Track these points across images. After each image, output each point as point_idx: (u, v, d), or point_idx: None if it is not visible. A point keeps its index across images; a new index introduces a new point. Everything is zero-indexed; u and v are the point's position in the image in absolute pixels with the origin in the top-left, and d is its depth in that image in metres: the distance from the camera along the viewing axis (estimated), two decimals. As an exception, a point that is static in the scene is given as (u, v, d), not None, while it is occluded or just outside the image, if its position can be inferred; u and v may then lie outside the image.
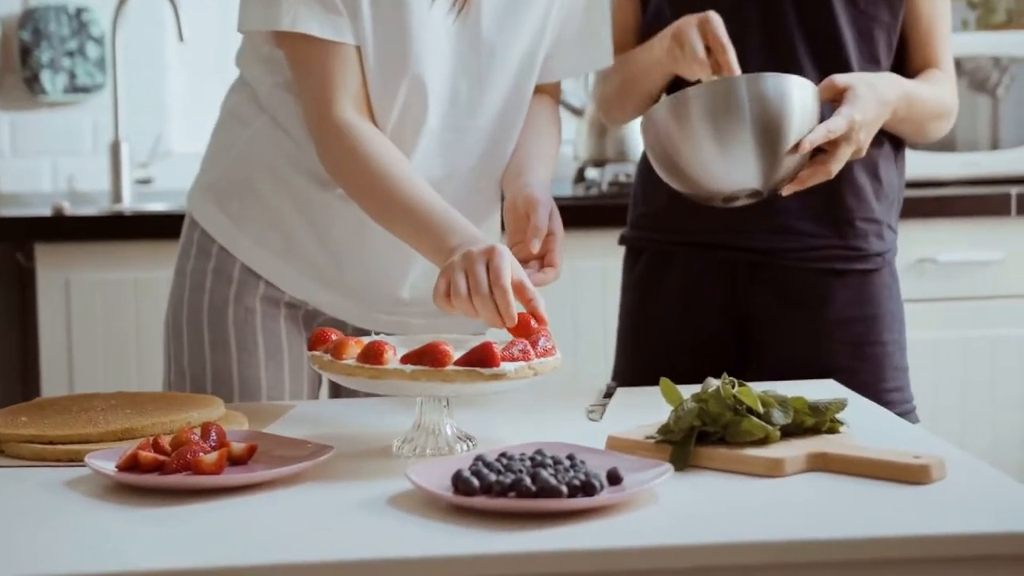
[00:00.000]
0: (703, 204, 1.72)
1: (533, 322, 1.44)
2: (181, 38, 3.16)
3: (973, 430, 2.94)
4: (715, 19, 1.73)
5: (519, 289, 1.45)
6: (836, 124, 1.67)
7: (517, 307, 1.45)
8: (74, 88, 3.38)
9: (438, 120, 1.71)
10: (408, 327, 1.78)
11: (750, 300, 1.90)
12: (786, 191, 1.70)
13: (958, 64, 3.14)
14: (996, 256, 2.93)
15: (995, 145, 3.13)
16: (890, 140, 1.90)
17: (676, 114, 1.65)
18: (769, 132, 1.63)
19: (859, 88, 1.71)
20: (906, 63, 1.90)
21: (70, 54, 3.37)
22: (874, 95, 1.73)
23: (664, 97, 1.70)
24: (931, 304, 2.91)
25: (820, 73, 1.81)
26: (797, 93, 1.65)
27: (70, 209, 2.93)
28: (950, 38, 1.92)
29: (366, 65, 1.65)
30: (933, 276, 2.91)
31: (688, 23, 1.74)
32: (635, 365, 1.98)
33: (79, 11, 3.37)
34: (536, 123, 1.79)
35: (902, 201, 1.97)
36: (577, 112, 3.34)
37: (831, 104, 1.72)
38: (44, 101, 3.39)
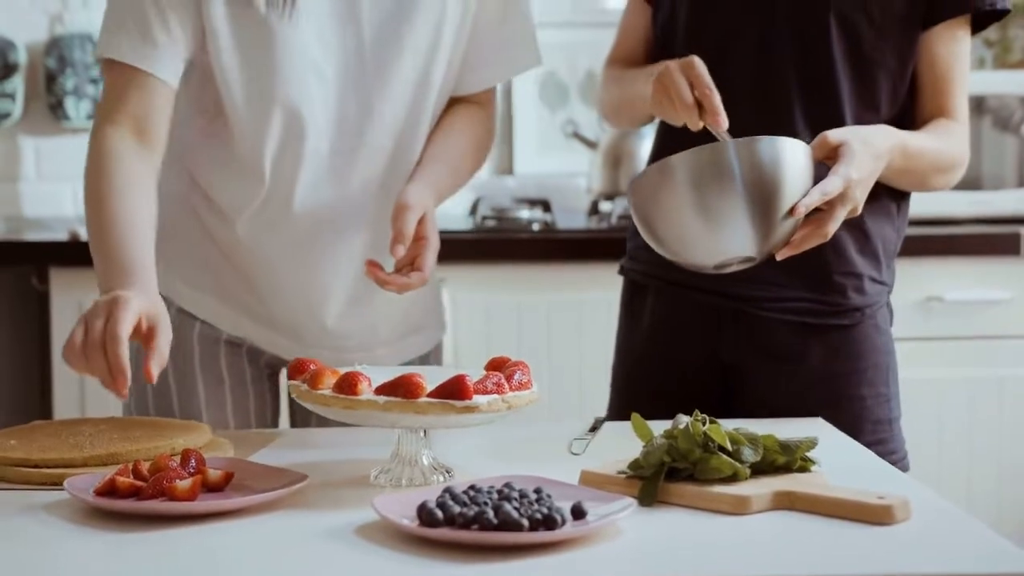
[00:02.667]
0: (693, 271, 1.67)
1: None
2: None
3: (980, 469, 2.93)
4: (698, 63, 1.69)
5: (147, 338, 1.44)
6: (831, 185, 1.60)
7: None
8: (97, 115, 3.43)
9: (325, 145, 1.72)
10: (344, 361, 1.80)
11: (728, 346, 1.89)
12: (780, 255, 1.63)
13: (981, 103, 3.15)
14: (1004, 295, 2.92)
15: (1021, 182, 3.13)
16: (888, 192, 1.85)
17: (662, 184, 1.59)
18: (762, 198, 1.56)
19: (853, 144, 1.64)
20: (917, 109, 1.85)
21: (94, 81, 3.42)
22: (868, 151, 1.66)
23: (648, 168, 1.64)
24: (938, 343, 2.90)
25: (809, 117, 1.80)
26: (790, 156, 1.58)
27: (85, 235, 2.97)
28: (966, 86, 1.86)
29: (233, 97, 1.68)
30: (940, 315, 2.90)
31: (672, 68, 1.70)
32: (620, 398, 1.99)
33: (104, 39, 3.43)
34: (451, 130, 1.80)
35: (897, 250, 1.93)
36: (591, 145, 3.36)
37: (824, 162, 1.66)
38: (67, 127, 3.44)
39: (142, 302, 1.46)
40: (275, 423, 1.91)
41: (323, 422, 1.83)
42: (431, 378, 1.39)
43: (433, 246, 1.67)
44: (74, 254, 2.90)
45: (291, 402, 1.89)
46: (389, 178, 1.76)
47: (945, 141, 1.82)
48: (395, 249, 1.63)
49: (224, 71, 1.68)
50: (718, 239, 1.59)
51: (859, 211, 1.66)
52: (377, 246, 1.75)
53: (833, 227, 1.63)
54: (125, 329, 1.41)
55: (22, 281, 3.11)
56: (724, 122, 1.65)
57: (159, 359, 1.45)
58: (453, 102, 1.82)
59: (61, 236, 3.03)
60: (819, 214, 1.62)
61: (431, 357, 1.92)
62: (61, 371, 2.90)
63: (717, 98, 1.66)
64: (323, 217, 1.74)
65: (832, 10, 1.80)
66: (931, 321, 2.90)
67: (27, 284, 3.07)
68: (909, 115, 1.87)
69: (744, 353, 1.89)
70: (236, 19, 1.66)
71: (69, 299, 2.89)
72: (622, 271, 2.02)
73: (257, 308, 1.78)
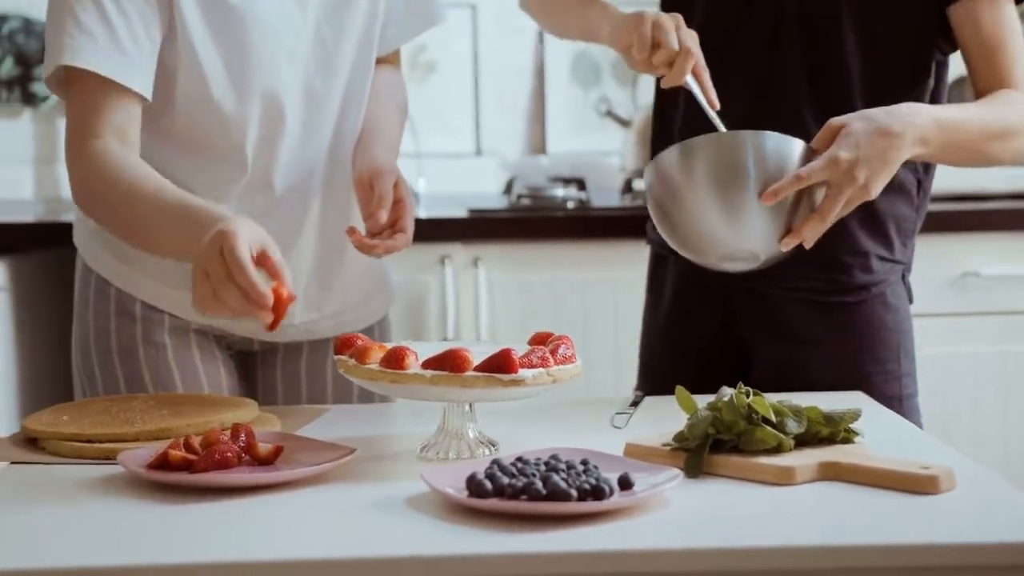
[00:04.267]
0: (699, 265, 1.71)
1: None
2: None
3: (1016, 445, 2.92)
4: (676, 17, 1.70)
5: (266, 262, 1.42)
6: (811, 167, 1.60)
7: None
8: (133, 97, 3.46)
9: (297, 122, 1.73)
10: (316, 332, 1.79)
11: (739, 322, 1.91)
12: (784, 245, 1.64)
13: None
14: (1041, 270, 2.92)
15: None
16: (906, 168, 1.82)
17: (682, 166, 1.63)
18: (758, 192, 1.60)
19: (853, 125, 1.63)
20: (973, 85, 1.83)
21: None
22: (871, 128, 1.63)
23: (668, 150, 1.66)
24: (974, 318, 2.89)
25: (817, 102, 1.80)
26: (797, 154, 1.61)
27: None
28: (1020, 52, 1.80)
29: (214, 90, 1.65)
30: (976, 290, 2.90)
31: (644, 27, 1.69)
32: (645, 372, 2.03)
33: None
34: (379, 94, 1.81)
35: (916, 228, 1.92)
36: (624, 123, 3.37)
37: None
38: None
39: (240, 227, 1.42)
40: None
41: (290, 401, 1.85)
42: (476, 352, 1.41)
43: (410, 208, 1.67)
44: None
45: (245, 384, 1.87)
46: (338, 141, 1.77)
47: (996, 108, 1.76)
48: (379, 214, 1.62)
49: (201, 63, 1.65)
50: (725, 231, 1.63)
51: (872, 193, 1.64)
52: (332, 212, 1.78)
53: (832, 212, 1.63)
54: (244, 254, 1.39)
55: (62, 263, 3.14)
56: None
57: (286, 273, 1.43)
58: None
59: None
60: (826, 200, 1.63)
61: (380, 326, 1.92)
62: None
63: (698, 61, 1.68)
64: (296, 192, 1.75)
65: None
66: (967, 297, 2.89)
67: (67, 266, 3.09)
68: (932, 97, 1.85)
69: (754, 330, 1.91)
70: (207, 13, 1.65)
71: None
72: (648, 240, 2.04)
73: None
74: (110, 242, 1.77)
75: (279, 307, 1.40)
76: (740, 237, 1.64)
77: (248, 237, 1.41)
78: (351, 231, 1.65)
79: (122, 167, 1.58)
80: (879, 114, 1.66)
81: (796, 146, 1.63)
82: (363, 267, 1.85)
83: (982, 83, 1.81)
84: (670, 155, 1.65)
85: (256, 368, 1.89)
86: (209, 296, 1.41)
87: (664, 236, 1.72)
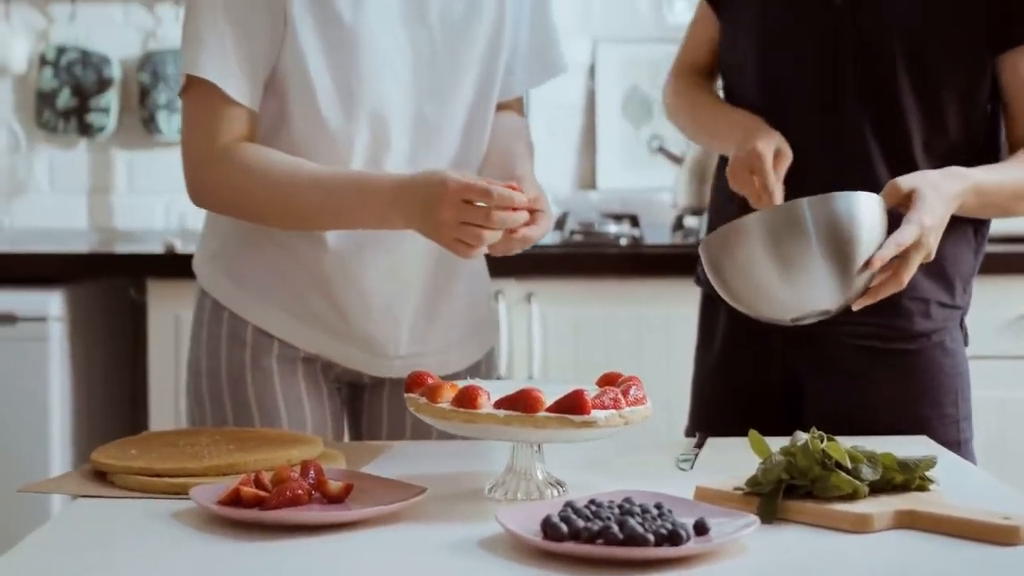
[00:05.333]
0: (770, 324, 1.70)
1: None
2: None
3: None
4: (764, 156, 1.73)
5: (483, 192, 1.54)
6: (906, 235, 1.62)
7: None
8: (188, 129, 3.48)
9: (406, 146, 1.75)
10: (410, 368, 1.78)
11: (794, 365, 1.91)
12: (856, 306, 1.66)
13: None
14: (1098, 313, 2.89)
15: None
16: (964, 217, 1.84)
17: (737, 246, 1.62)
18: (838, 254, 1.59)
19: (924, 190, 1.65)
20: (1010, 134, 1.85)
21: (185, 96, 3.48)
22: (938, 196, 1.67)
23: (721, 228, 1.66)
24: (1030, 361, 2.88)
25: (879, 144, 1.81)
26: (864, 209, 1.61)
27: (181, 247, 3.03)
28: None
29: (322, 105, 1.69)
30: (1034, 333, 2.88)
31: (741, 163, 1.75)
32: (697, 412, 2.02)
33: (195, 54, 3.48)
34: (507, 134, 1.83)
35: (974, 272, 1.92)
36: (677, 160, 3.37)
37: (896, 208, 1.67)
38: (160, 141, 3.50)
39: (454, 173, 1.56)
40: (343, 438, 1.92)
41: (393, 437, 1.87)
42: (547, 391, 1.40)
43: (549, 215, 1.67)
44: (171, 267, 2.95)
45: (352, 416, 1.91)
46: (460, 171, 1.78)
47: None
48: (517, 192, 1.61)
49: (311, 77, 1.69)
50: (795, 295, 1.62)
51: (932, 256, 1.67)
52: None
53: (908, 275, 1.65)
54: (475, 180, 1.55)
55: (117, 293, 3.16)
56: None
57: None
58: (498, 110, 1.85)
59: (157, 248, 3.07)
60: (895, 262, 1.64)
61: (487, 360, 1.93)
62: (157, 380, 2.94)
63: (779, 192, 1.73)
64: None
65: (897, 35, 1.80)
66: (1023, 339, 2.87)
67: (122, 296, 3.12)
68: (986, 140, 1.86)
69: (810, 373, 1.90)
70: (320, 25, 1.68)
71: (166, 311, 2.93)
72: (698, 281, 2.03)
73: (335, 322, 1.79)
74: (227, 265, 1.81)
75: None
76: (811, 299, 1.63)
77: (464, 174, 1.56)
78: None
79: (269, 159, 1.68)
80: (940, 180, 1.70)
81: (859, 201, 1.62)
82: (470, 300, 1.86)
83: (1016, 134, 1.85)
84: (723, 233, 1.65)
85: (363, 400, 1.90)
86: (475, 236, 1.56)
87: (736, 307, 1.71)
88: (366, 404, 1.90)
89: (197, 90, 1.69)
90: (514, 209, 1.56)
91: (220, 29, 1.67)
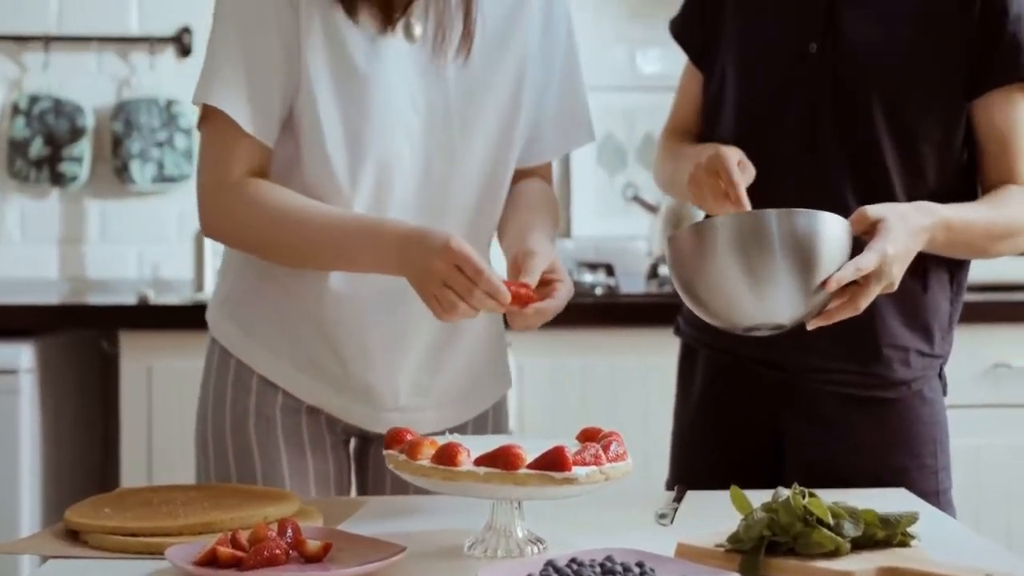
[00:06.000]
0: (723, 330, 1.69)
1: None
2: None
3: (1050, 538, 2.90)
4: (725, 159, 1.72)
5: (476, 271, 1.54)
6: (866, 261, 1.62)
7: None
8: (162, 178, 3.48)
9: (412, 199, 1.75)
10: (419, 425, 1.77)
11: (773, 414, 1.90)
12: (811, 325, 1.65)
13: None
14: (1073, 362, 2.90)
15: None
16: (942, 263, 1.85)
17: (701, 244, 1.62)
18: (798, 269, 1.59)
19: (890, 220, 1.65)
20: (982, 177, 1.86)
21: (159, 145, 3.47)
22: (905, 227, 1.66)
23: (689, 225, 1.67)
24: (1006, 410, 2.88)
25: (857, 188, 1.81)
26: (828, 229, 1.60)
27: (154, 298, 3.01)
28: None
29: (328, 144, 1.70)
30: (1007, 381, 2.88)
31: (700, 167, 1.74)
32: (677, 463, 2.01)
33: (169, 103, 3.48)
34: (530, 198, 1.82)
35: (954, 321, 1.91)
36: (652, 209, 3.38)
37: (862, 236, 1.66)
38: (133, 190, 3.49)
39: (461, 239, 1.56)
40: (350, 490, 1.91)
41: (397, 489, 1.84)
42: (527, 448, 1.39)
43: (567, 286, 1.66)
44: (144, 318, 2.93)
45: (359, 469, 1.90)
46: (472, 235, 1.77)
47: (1004, 207, 1.81)
48: (523, 279, 1.61)
49: (321, 122, 1.70)
50: (752, 303, 1.61)
51: (895, 287, 1.67)
52: None
53: (865, 302, 1.65)
54: (482, 263, 1.55)
55: (89, 344, 3.14)
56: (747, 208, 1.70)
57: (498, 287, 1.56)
58: (516, 177, 1.84)
59: (129, 299, 3.05)
60: (853, 287, 1.64)
61: (496, 410, 1.92)
62: (129, 436, 2.91)
63: (742, 192, 1.71)
64: None
65: (873, 83, 1.81)
66: (999, 388, 2.88)
67: (93, 348, 3.10)
68: (963, 184, 1.86)
69: (788, 422, 1.89)
70: (334, 71, 1.69)
71: (139, 363, 2.91)
72: (677, 331, 2.04)
73: (337, 372, 1.79)
74: (236, 312, 1.81)
75: (517, 301, 1.57)
76: (767, 309, 1.62)
77: (468, 247, 1.56)
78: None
79: (279, 195, 1.69)
80: (908, 212, 1.70)
81: (824, 220, 1.62)
82: (477, 352, 1.85)
83: (991, 177, 1.85)
84: (691, 230, 1.65)
85: (369, 454, 1.89)
86: (450, 304, 1.56)
87: (688, 305, 1.71)
88: (371, 457, 1.89)
89: (212, 121, 1.71)
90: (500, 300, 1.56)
91: (236, 62, 1.68)
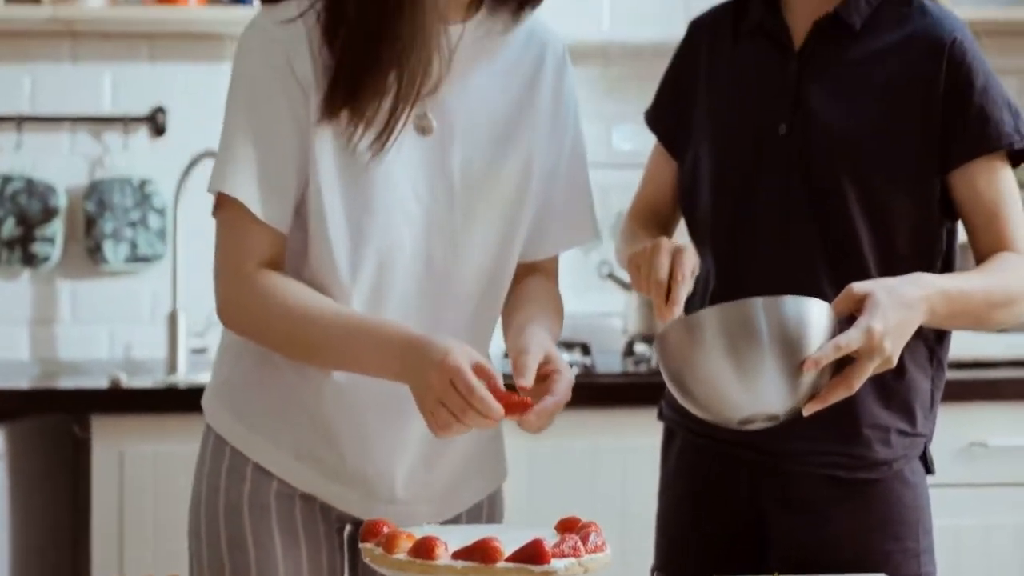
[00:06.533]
0: (720, 426, 1.68)
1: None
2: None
3: (1030, 618, 2.88)
4: (688, 253, 1.72)
5: (481, 373, 1.55)
6: (848, 338, 1.60)
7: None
8: (135, 258, 3.46)
9: (413, 289, 1.75)
10: (414, 517, 1.77)
11: (755, 498, 1.89)
12: (807, 410, 1.63)
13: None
14: (1050, 441, 2.91)
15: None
16: (921, 340, 1.84)
17: (690, 338, 1.61)
18: (788, 356, 1.58)
19: (878, 295, 1.64)
20: (975, 249, 1.85)
21: (132, 224, 3.46)
22: (896, 300, 1.65)
23: (676, 320, 1.67)
24: (983, 489, 2.88)
25: (833, 270, 1.81)
26: (815, 314, 1.61)
27: (126, 380, 2.98)
28: (1021, 216, 1.83)
29: (331, 231, 1.70)
30: (984, 460, 2.88)
31: (662, 246, 1.73)
32: (662, 545, 2.00)
33: (143, 183, 3.47)
34: (535, 298, 1.82)
35: (936, 399, 1.91)
36: (626, 286, 3.38)
37: (853, 315, 1.65)
38: (105, 270, 3.47)
39: (460, 356, 1.56)
40: None
41: None
42: (505, 539, 1.38)
43: (566, 377, 1.65)
44: (116, 402, 2.90)
45: (352, 559, 1.88)
46: (474, 325, 1.78)
47: (1001, 274, 1.79)
48: (518, 381, 1.61)
49: (325, 211, 1.70)
50: (744, 395, 1.61)
51: (894, 363, 1.66)
52: None
53: (859, 380, 1.63)
54: (475, 381, 1.54)
55: (60, 429, 3.10)
56: (676, 313, 1.69)
57: (500, 377, 1.57)
58: (521, 273, 1.84)
59: (101, 382, 3.03)
60: (847, 367, 1.63)
61: (491, 501, 1.91)
62: (100, 523, 2.87)
63: (682, 291, 1.70)
64: None
65: (844, 162, 1.82)
66: (975, 467, 2.88)
67: (65, 432, 3.06)
68: (939, 261, 1.87)
69: (770, 506, 1.88)
70: (338, 161, 1.69)
71: (111, 448, 2.87)
72: (660, 416, 2.03)
73: (333, 462, 1.78)
74: (232, 399, 1.80)
75: (514, 411, 1.58)
76: (759, 400, 1.62)
77: (468, 362, 1.55)
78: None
79: (290, 290, 1.69)
80: (898, 285, 1.69)
81: (810, 306, 1.62)
82: (475, 444, 1.84)
83: (982, 248, 1.84)
84: (680, 325, 1.65)
85: None
86: (445, 422, 1.55)
87: (681, 402, 1.70)
88: None
89: (227, 209, 1.71)
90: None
91: (250, 150, 1.68)
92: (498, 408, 1.54)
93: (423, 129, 1.72)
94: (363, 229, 1.71)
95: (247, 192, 1.68)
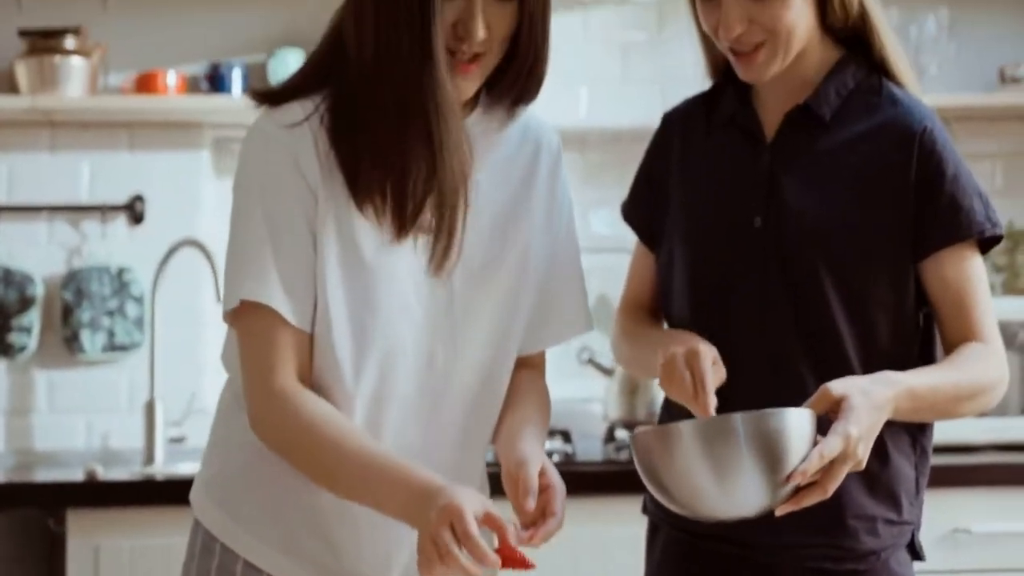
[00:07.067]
0: (696, 537, 1.70)
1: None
2: (219, 300, 3.22)
3: None
4: (702, 355, 1.73)
5: (490, 523, 1.53)
6: (830, 447, 1.61)
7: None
8: (112, 347, 3.44)
9: (414, 387, 1.74)
10: None
11: None
12: (780, 511, 1.64)
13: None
14: (1033, 526, 2.89)
15: (1024, 410, 3.13)
16: (904, 429, 1.85)
17: (667, 447, 1.62)
18: (768, 467, 1.59)
19: (853, 399, 1.65)
20: (943, 337, 1.87)
21: (110, 313, 3.44)
22: (868, 403, 1.66)
23: (653, 427, 1.67)
24: (968, 576, 2.87)
25: (813, 361, 1.82)
26: (794, 426, 1.61)
27: (103, 473, 2.95)
28: (989, 305, 1.85)
29: (335, 334, 1.69)
30: (968, 547, 2.87)
31: (677, 359, 1.74)
32: None
33: (121, 271, 3.46)
34: (525, 397, 1.81)
35: (921, 486, 1.91)
36: (607, 372, 3.37)
37: (827, 415, 1.67)
38: (82, 360, 3.44)
39: (464, 500, 1.53)
40: None
41: None
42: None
43: (560, 490, 1.65)
44: (92, 495, 2.86)
45: None
46: (471, 423, 1.77)
47: (967, 367, 1.81)
48: (526, 503, 1.62)
49: (330, 311, 1.68)
50: (719, 500, 1.61)
51: (863, 466, 1.67)
52: None
53: (834, 485, 1.64)
54: (473, 528, 1.51)
55: (34, 523, 3.06)
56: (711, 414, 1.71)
57: (510, 528, 1.55)
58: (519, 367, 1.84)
59: (77, 474, 2.99)
60: (823, 469, 1.63)
61: None
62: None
63: (710, 400, 1.71)
64: (408, 460, 1.72)
65: (820, 253, 1.83)
66: (959, 554, 2.86)
67: (39, 526, 3.02)
68: (918, 346, 1.88)
69: None
70: (343, 261, 1.69)
71: (86, 543, 2.84)
72: (644, 510, 2.03)
73: (327, 561, 1.75)
74: (222, 495, 1.77)
75: (510, 563, 1.54)
76: (736, 505, 1.63)
77: (471, 507, 1.52)
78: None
79: (318, 414, 1.65)
80: (870, 386, 1.70)
81: (790, 418, 1.63)
82: None
83: (950, 336, 1.85)
84: (656, 435, 1.65)
85: None
86: (436, 561, 1.52)
87: (656, 497, 1.70)
88: None
89: (249, 317, 1.68)
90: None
91: (269, 255, 1.67)
92: (494, 558, 1.51)
93: (423, 229, 1.71)
94: (366, 331, 1.69)
95: (274, 297, 1.66)
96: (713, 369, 1.74)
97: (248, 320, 1.69)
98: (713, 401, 1.72)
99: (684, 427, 1.62)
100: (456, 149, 1.68)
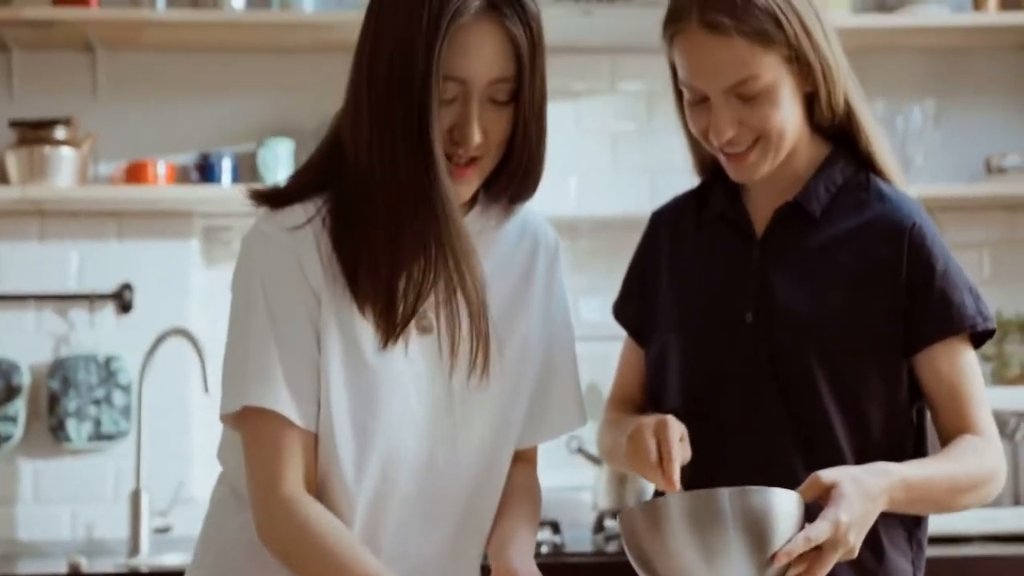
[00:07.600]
0: None
1: None
2: (207, 389, 3.21)
3: None
4: (671, 426, 1.73)
5: None
6: (817, 531, 1.60)
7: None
8: (99, 436, 3.42)
9: (414, 486, 1.72)
10: None
11: None
12: None
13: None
14: (1028, 619, 2.86)
15: (1017, 500, 3.10)
16: (899, 522, 1.84)
17: (655, 523, 1.61)
18: (753, 546, 1.58)
19: (844, 486, 1.64)
20: (938, 430, 1.86)
21: (96, 402, 3.42)
22: (859, 491, 1.65)
23: (641, 504, 1.67)
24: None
25: (805, 454, 1.81)
26: (781, 505, 1.60)
27: (86, 566, 2.91)
28: (984, 397, 1.85)
29: (337, 436, 1.67)
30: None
31: (643, 427, 1.74)
32: None
33: (108, 359, 3.44)
34: (520, 499, 1.80)
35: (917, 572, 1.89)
36: (596, 461, 3.35)
37: (818, 502, 1.66)
38: (68, 449, 3.42)
39: None
40: None
41: None
42: None
43: None
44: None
45: None
46: (465, 525, 1.75)
47: (964, 460, 1.80)
48: None
49: (332, 411, 1.66)
50: None
51: (855, 554, 1.65)
52: None
53: (823, 571, 1.63)
54: None
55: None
56: (676, 490, 1.69)
57: None
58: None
59: (60, 566, 2.96)
60: (812, 555, 1.62)
61: None
62: None
63: (675, 468, 1.70)
64: (407, 559, 1.72)
65: (811, 349, 1.83)
66: (954, 646, 2.83)
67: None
68: (911, 440, 1.87)
69: None
70: (345, 362, 1.67)
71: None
72: None
73: None
74: None
75: None
76: None
77: None
78: None
79: (322, 528, 1.62)
80: (863, 476, 1.69)
81: (777, 497, 1.62)
82: None
83: (946, 428, 1.85)
84: (643, 511, 1.64)
85: None
86: None
87: None
88: None
89: (255, 421, 1.66)
90: None
91: (274, 358, 1.65)
92: None
93: (424, 328, 1.71)
94: (368, 433, 1.68)
95: (279, 400, 1.64)
96: (680, 446, 1.73)
97: (254, 424, 1.66)
98: (676, 475, 1.70)
99: (672, 500, 1.61)
100: (468, 253, 1.67)
